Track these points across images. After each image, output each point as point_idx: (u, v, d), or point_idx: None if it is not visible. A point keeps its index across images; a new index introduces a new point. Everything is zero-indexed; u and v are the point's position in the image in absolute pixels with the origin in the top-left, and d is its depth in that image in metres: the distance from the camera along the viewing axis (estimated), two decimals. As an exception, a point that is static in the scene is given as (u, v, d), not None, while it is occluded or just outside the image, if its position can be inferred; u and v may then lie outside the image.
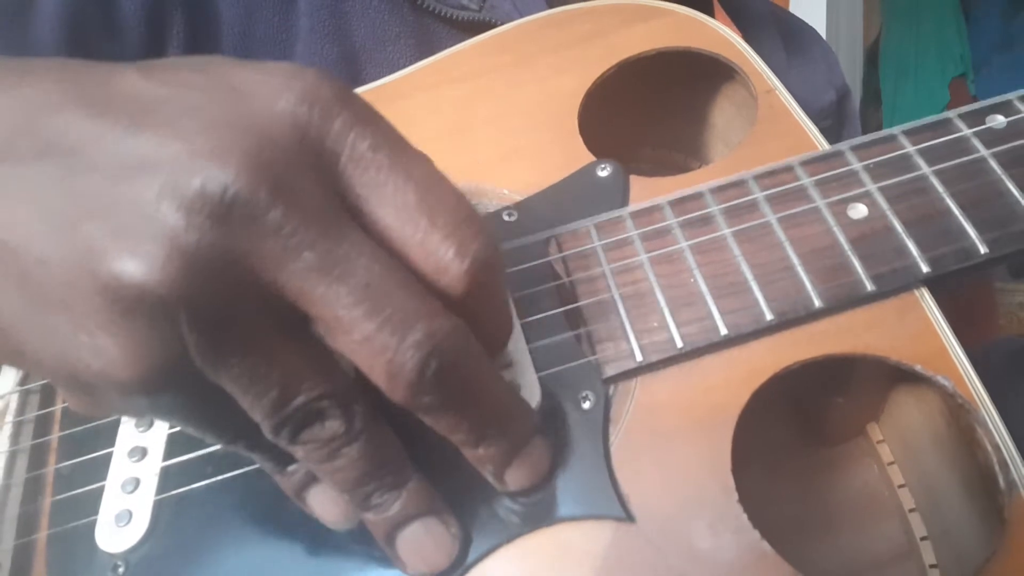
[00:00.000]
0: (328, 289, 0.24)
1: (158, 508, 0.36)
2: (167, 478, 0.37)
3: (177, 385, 0.24)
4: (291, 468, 0.30)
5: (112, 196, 0.23)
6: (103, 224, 0.23)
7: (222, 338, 0.24)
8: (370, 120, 0.26)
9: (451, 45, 0.50)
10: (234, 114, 0.24)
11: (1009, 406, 0.36)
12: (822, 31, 1.73)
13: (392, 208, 0.25)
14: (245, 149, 0.23)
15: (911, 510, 0.42)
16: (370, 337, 0.24)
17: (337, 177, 0.25)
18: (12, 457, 0.39)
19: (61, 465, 0.39)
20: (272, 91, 0.25)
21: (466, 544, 0.31)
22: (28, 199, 0.24)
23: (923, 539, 0.41)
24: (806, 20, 0.77)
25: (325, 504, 0.31)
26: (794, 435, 0.45)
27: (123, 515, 0.36)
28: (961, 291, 0.39)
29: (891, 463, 0.43)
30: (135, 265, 0.22)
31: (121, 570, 0.35)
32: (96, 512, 0.36)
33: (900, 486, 0.43)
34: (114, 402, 0.25)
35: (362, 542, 0.33)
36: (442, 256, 0.25)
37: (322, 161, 0.25)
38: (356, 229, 0.25)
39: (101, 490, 0.37)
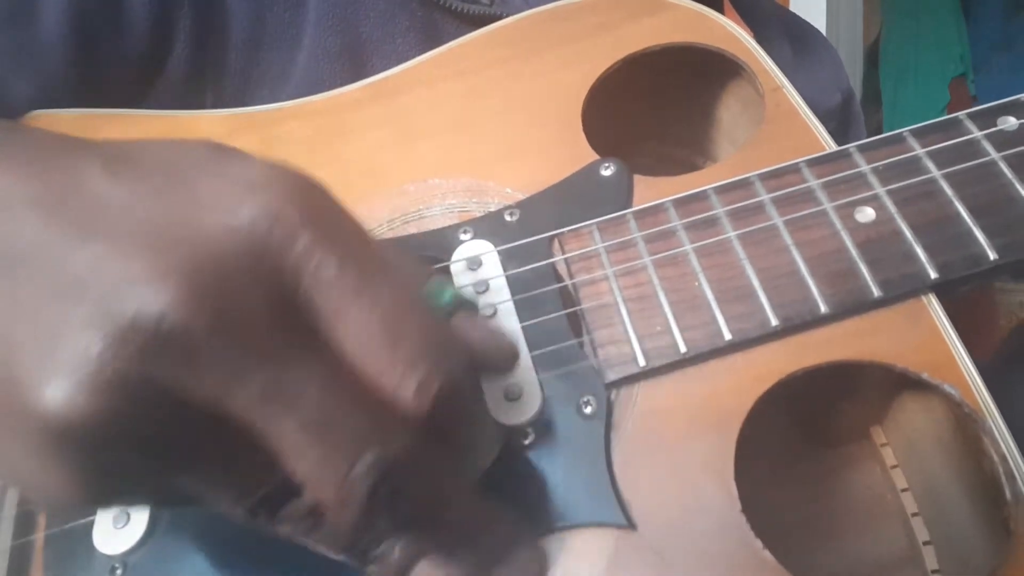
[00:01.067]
0: (273, 419, 0.23)
1: (156, 511, 0.36)
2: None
3: (127, 497, 0.24)
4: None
5: (44, 318, 0.22)
6: (30, 348, 0.22)
7: (166, 458, 0.23)
8: (338, 240, 0.25)
9: (459, 40, 0.49)
10: (185, 229, 0.23)
11: (1012, 407, 0.35)
12: (822, 31, 1.73)
13: (353, 337, 0.24)
14: (188, 273, 0.22)
15: (914, 514, 0.41)
16: (317, 465, 0.23)
17: (296, 298, 0.24)
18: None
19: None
20: (233, 203, 0.24)
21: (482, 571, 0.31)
22: None
23: (926, 544, 0.41)
24: (806, 20, 0.76)
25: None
26: (797, 438, 0.45)
27: (121, 517, 0.35)
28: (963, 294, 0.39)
29: (894, 467, 0.43)
30: (57, 397, 0.21)
31: (119, 572, 0.35)
32: (94, 513, 0.36)
33: (903, 490, 0.42)
34: (71, 511, 0.25)
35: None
36: (401, 393, 0.24)
37: (279, 282, 0.24)
38: (305, 353, 0.24)
39: None
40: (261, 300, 0.23)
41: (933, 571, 0.40)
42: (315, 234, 0.24)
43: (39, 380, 0.21)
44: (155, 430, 0.22)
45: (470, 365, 0.28)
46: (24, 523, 0.37)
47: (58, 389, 0.21)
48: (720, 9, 0.55)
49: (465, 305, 0.31)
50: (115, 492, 0.23)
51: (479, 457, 0.30)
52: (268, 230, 0.23)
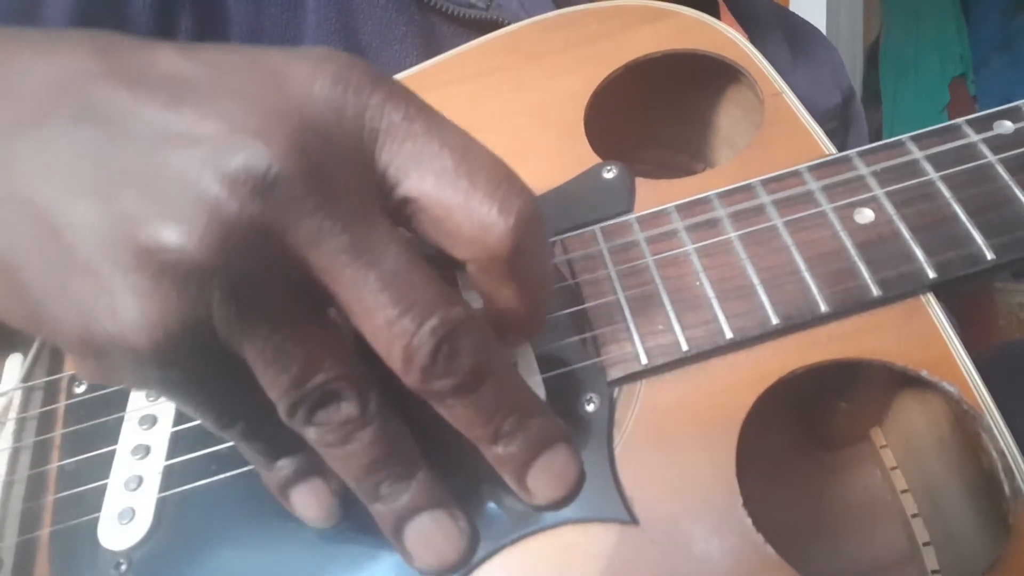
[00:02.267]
0: (357, 273, 0.24)
1: (161, 506, 0.36)
2: (170, 476, 0.37)
3: (191, 357, 0.24)
4: (279, 464, 0.30)
5: (153, 165, 0.23)
6: (143, 191, 0.23)
7: (253, 309, 0.24)
8: (402, 95, 0.26)
9: (457, 45, 0.49)
10: (274, 97, 0.25)
11: (1015, 410, 0.36)
12: (822, 31, 1.73)
13: (431, 175, 0.26)
14: (288, 131, 0.24)
15: (914, 515, 0.42)
16: (391, 321, 0.25)
17: (376, 154, 0.26)
18: (15, 453, 0.39)
19: (64, 462, 0.39)
20: (308, 74, 0.25)
21: (474, 538, 0.31)
22: (63, 162, 0.24)
23: (925, 544, 0.41)
24: (805, 19, 0.76)
25: (308, 502, 0.31)
26: (798, 439, 0.45)
27: (126, 512, 0.36)
28: (961, 293, 0.39)
29: (894, 468, 0.43)
30: (176, 231, 0.22)
31: (123, 568, 0.35)
32: (99, 509, 0.36)
33: (903, 491, 0.43)
34: (125, 371, 0.25)
35: (364, 541, 0.33)
36: (485, 215, 0.26)
37: (360, 140, 0.26)
38: (387, 219, 0.25)
39: (104, 487, 0.37)
40: (349, 161, 0.25)
41: (933, 572, 0.40)
42: (382, 90, 0.26)
43: (160, 215, 0.23)
44: (250, 280, 0.24)
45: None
46: (30, 519, 0.37)
47: (179, 224, 0.22)
48: (716, 14, 0.55)
49: None
50: (184, 342, 0.24)
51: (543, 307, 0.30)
52: (344, 91, 0.25)
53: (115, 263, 0.23)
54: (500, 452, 0.28)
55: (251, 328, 0.24)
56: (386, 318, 0.25)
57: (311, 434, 0.27)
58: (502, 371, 0.28)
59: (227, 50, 0.27)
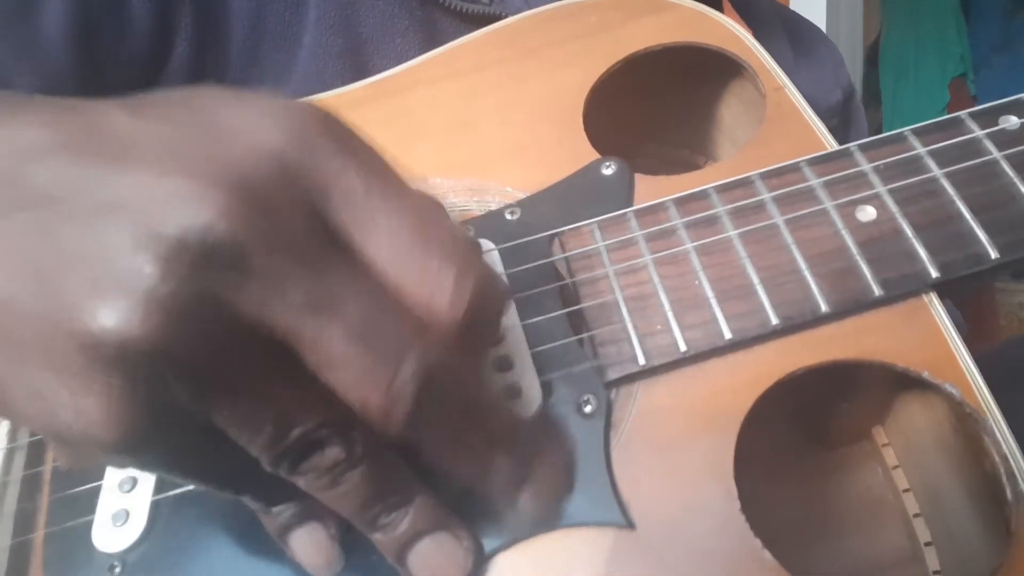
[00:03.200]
0: (319, 327, 0.23)
1: (155, 508, 0.36)
2: (164, 478, 0.36)
3: (162, 440, 0.24)
4: (276, 509, 0.30)
5: (89, 245, 0.22)
6: (79, 276, 0.22)
7: (211, 383, 0.23)
8: (358, 152, 0.26)
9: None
10: (216, 153, 0.24)
11: (1017, 411, 0.35)
12: (822, 30, 1.73)
13: (385, 241, 0.25)
14: (226, 189, 0.23)
15: (915, 515, 0.41)
16: (364, 372, 0.24)
17: (326, 213, 0.25)
18: (9, 454, 0.39)
19: (59, 463, 0.38)
20: (257, 128, 0.24)
21: (479, 553, 0.31)
22: (6, 252, 0.23)
23: (927, 544, 0.40)
24: (806, 18, 0.76)
25: (307, 549, 0.31)
26: (798, 438, 0.45)
27: (120, 515, 0.35)
28: (964, 293, 0.39)
29: (896, 467, 0.43)
30: (111, 319, 0.21)
31: (118, 570, 0.35)
32: (93, 511, 0.36)
33: (905, 490, 0.42)
34: (100, 459, 0.25)
35: (361, 543, 0.32)
36: (437, 289, 0.25)
37: (309, 197, 0.25)
38: (343, 262, 0.24)
39: (98, 489, 0.37)
40: (297, 215, 0.24)
41: (934, 572, 0.40)
42: (340, 152, 0.25)
43: (91, 304, 0.22)
44: (200, 356, 0.23)
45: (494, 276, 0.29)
46: (24, 521, 0.37)
47: (112, 310, 0.22)
48: (718, 7, 0.55)
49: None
50: (150, 434, 0.23)
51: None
52: (297, 150, 0.25)
53: (63, 358, 0.22)
54: (493, 483, 0.28)
55: (213, 401, 0.23)
56: (358, 369, 0.24)
57: (300, 483, 0.26)
58: (489, 406, 0.28)
59: (178, 104, 0.26)
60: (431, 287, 0.25)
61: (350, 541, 0.31)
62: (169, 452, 0.25)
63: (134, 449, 0.23)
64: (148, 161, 0.23)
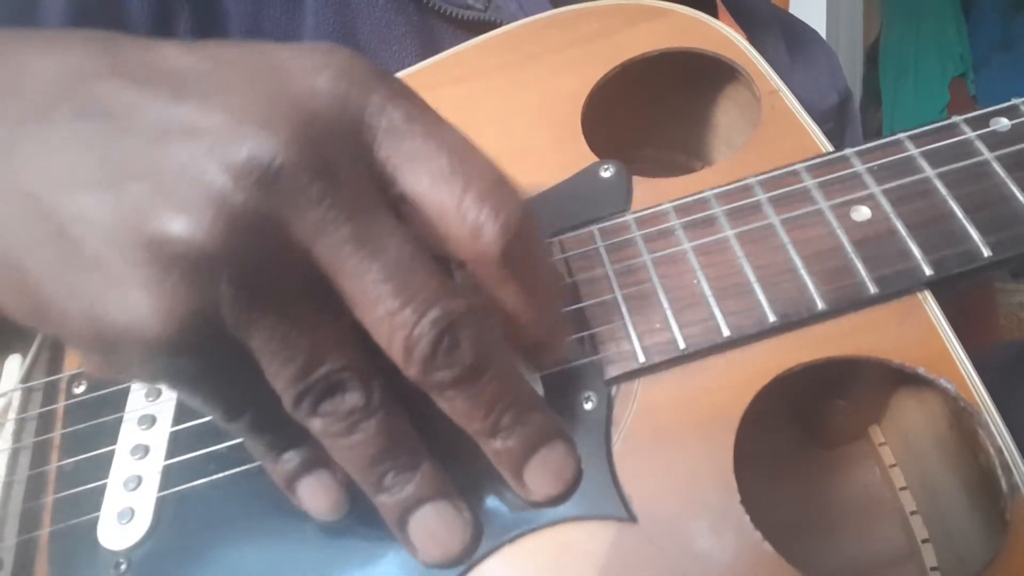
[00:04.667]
0: (360, 263, 0.25)
1: (160, 505, 0.36)
2: (169, 475, 0.37)
3: (201, 346, 0.25)
4: (285, 456, 0.30)
5: (158, 158, 0.24)
6: (149, 184, 0.23)
7: (260, 298, 0.24)
8: (404, 94, 0.27)
9: (455, 45, 0.49)
10: (278, 90, 0.25)
11: (1013, 409, 0.36)
12: (822, 31, 1.73)
13: (427, 175, 0.26)
14: (292, 123, 0.24)
15: (912, 512, 0.42)
16: (393, 312, 0.25)
17: (375, 150, 0.26)
18: (15, 454, 0.39)
19: (64, 462, 0.39)
20: (311, 69, 0.26)
21: (478, 530, 0.31)
22: (68, 156, 0.24)
23: (924, 542, 0.41)
24: (806, 20, 0.77)
25: (315, 493, 0.31)
26: (796, 437, 0.45)
27: (125, 512, 0.36)
28: (962, 291, 0.39)
29: (893, 465, 0.43)
30: (183, 222, 0.23)
31: (123, 567, 0.35)
32: (98, 509, 0.36)
33: (902, 488, 0.43)
34: (134, 363, 0.25)
35: (365, 539, 0.33)
36: (475, 218, 0.26)
37: (361, 135, 0.26)
38: (390, 211, 0.26)
39: (104, 487, 0.37)
40: (350, 153, 0.25)
41: (932, 568, 0.40)
42: (384, 88, 0.26)
43: (166, 207, 0.23)
44: (256, 269, 0.24)
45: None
46: (29, 519, 0.37)
47: (186, 215, 0.23)
48: (714, 13, 0.55)
49: None
50: (193, 332, 0.24)
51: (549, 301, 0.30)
52: (348, 87, 0.26)
53: (123, 256, 0.23)
54: (498, 446, 0.28)
55: (257, 317, 0.24)
56: (387, 309, 0.25)
57: (316, 425, 0.27)
58: (502, 365, 0.28)
59: (230, 45, 0.27)
60: (470, 219, 0.26)
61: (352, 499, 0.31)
62: (201, 364, 0.25)
63: (172, 351, 0.24)
64: (212, 92, 0.25)
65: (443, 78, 0.48)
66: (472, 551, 0.30)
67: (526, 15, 0.51)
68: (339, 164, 0.25)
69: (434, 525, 0.29)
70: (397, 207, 0.27)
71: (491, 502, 0.33)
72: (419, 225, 0.27)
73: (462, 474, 0.31)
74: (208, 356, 0.25)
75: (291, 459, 0.30)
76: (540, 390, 0.35)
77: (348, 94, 0.26)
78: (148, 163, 0.24)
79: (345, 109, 0.26)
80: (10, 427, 0.40)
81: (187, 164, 0.23)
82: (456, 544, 0.30)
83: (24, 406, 0.41)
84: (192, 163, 0.23)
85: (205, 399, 0.27)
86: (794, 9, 1.42)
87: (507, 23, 0.51)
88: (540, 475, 0.29)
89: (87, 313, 0.24)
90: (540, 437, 0.29)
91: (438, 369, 0.26)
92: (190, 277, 0.23)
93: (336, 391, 0.26)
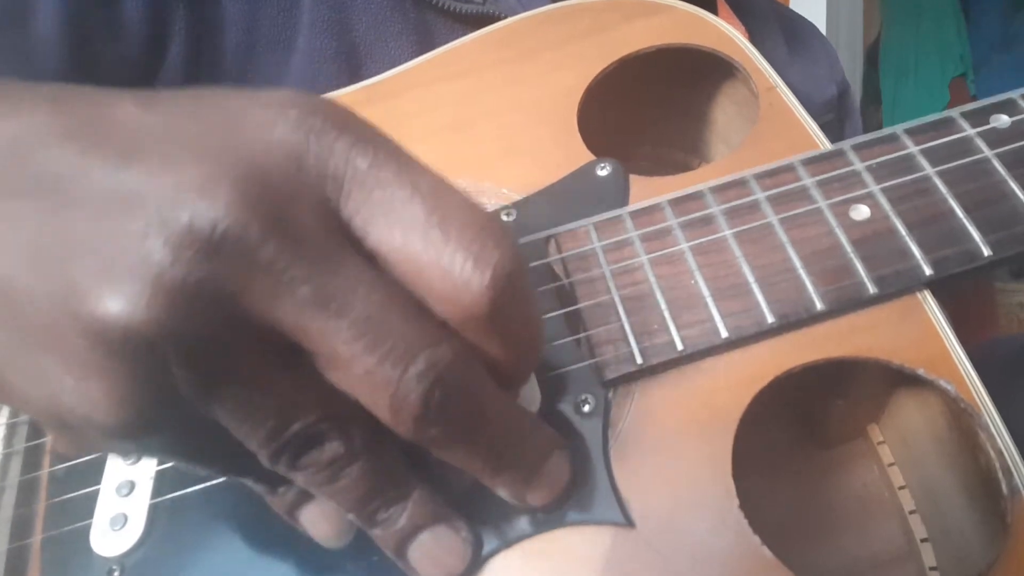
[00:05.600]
0: (325, 324, 0.23)
1: (153, 512, 0.36)
2: (162, 481, 0.36)
3: (164, 426, 0.24)
4: (282, 489, 0.30)
5: (97, 232, 0.22)
6: (87, 261, 0.22)
7: (214, 374, 0.23)
8: (369, 139, 0.25)
9: (453, 41, 0.49)
10: (228, 144, 0.24)
11: (1013, 405, 0.35)
12: (822, 30, 1.73)
13: (400, 226, 0.24)
14: (237, 181, 0.22)
15: (911, 512, 0.42)
16: (371, 371, 0.23)
17: (339, 203, 0.24)
18: (6, 459, 0.39)
19: (56, 468, 0.38)
20: (267, 122, 0.24)
21: (478, 544, 0.31)
22: (14, 235, 0.23)
23: (923, 541, 0.41)
24: (800, 15, 0.77)
25: (318, 522, 0.30)
26: (794, 436, 0.45)
27: (118, 519, 0.35)
28: (962, 291, 0.39)
29: (892, 464, 0.43)
30: (118, 304, 0.21)
31: (116, 574, 0.35)
32: (91, 515, 0.36)
33: (901, 488, 0.42)
34: (101, 444, 0.25)
35: (360, 545, 0.32)
36: (459, 271, 0.24)
37: (321, 188, 0.24)
38: (354, 257, 0.24)
39: (96, 493, 0.37)
40: (307, 207, 0.24)
41: (931, 568, 0.40)
42: (348, 137, 0.24)
43: (99, 289, 0.22)
44: (205, 345, 0.22)
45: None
46: (21, 526, 0.37)
47: (119, 297, 0.21)
48: (713, 8, 0.55)
49: None
50: (152, 420, 0.23)
51: (533, 355, 0.28)
52: (305, 137, 0.24)
53: (67, 342, 0.22)
54: (500, 480, 0.28)
55: (215, 392, 0.23)
56: (364, 368, 0.23)
57: (298, 478, 0.26)
58: (499, 406, 0.27)
59: (187, 98, 0.26)
60: (454, 273, 0.24)
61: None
62: (170, 438, 0.25)
63: (135, 434, 0.23)
64: (158, 153, 0.23)
65: (439, 74, 0.48)
66: (475, 565, 0.30)
67: (524, 9, 0.50)
68: (294, 220, 0.23)
69: (433, 551, 0.29)
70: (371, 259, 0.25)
71: (487, 509, 0.33)
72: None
73: (455, 482, 0.31)
74: (172, 433, 0.24)
75: (287, 491, 0.30)
76: (538, 393, 0.35)
77: (307, 146, 0.24)
78: (89, 238, 0.22)
79: (302, 162, 0.24)
80: (1, 432, 0.40)
81: (125, 237, 0.22)
82: (458, 564, 0.30)
83: (15, 411, 0.40)
84: (130, 236, 0.22)
85: (184, 463, 0.27)
86: (794, 8, 1.42)
87: (506, 16, 0.50)
88: (542, 491, 0.29)
89: (45, 399, 0.23)
90: (539, 461, 0.29)
91: (433, 425, 0.24)
92: (136, 361, 0.22)
93: (314, 443, 0.25)
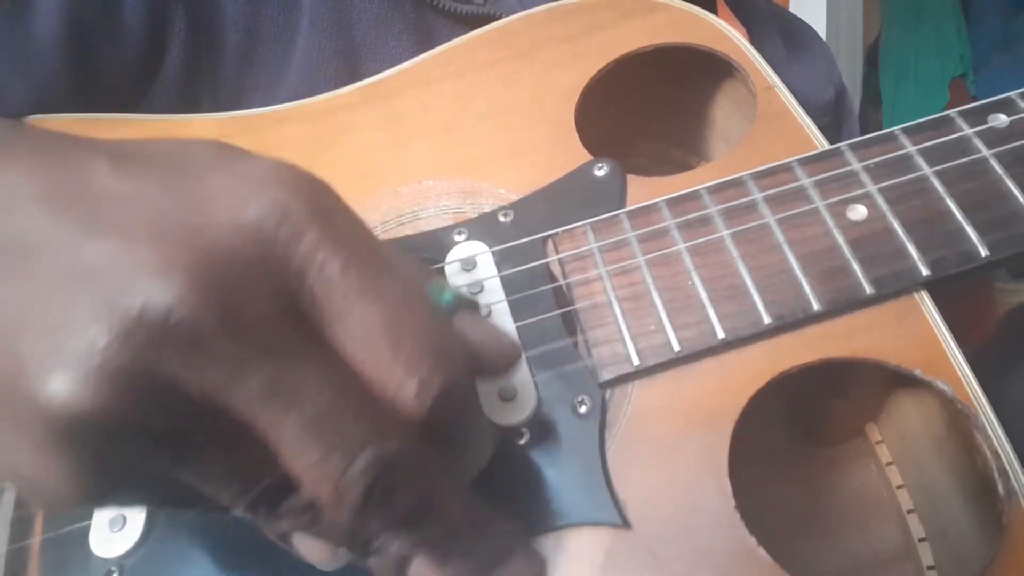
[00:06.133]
0: (275, 417, 0.23)
1: (152, 514, 0.36)
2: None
3: (127, 494, 0.24)
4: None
5: (51, 307, 0.22)
6: (37, 339, 0.22)
7: (167, 455, 0.23)
8: (345, 237, 0.25)
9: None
10: (193, 223, 0.23)
11: (1004, 394, 0.35)
12: (822, 31, 1.73)
13: (356, 336, 0.24)
14: (195, 266, 0.22)
15: (909, 511, 0.42)
16: (315, 464, 0.23)
17: (299, 297, 0.24)
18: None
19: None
20: (241, 197, 0.24)
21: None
22: None
23: (921, 540, 0.41)
24: (806, 20, 0.77)
25: (312, 547, 0.30)
26: (792, 436, 0.45)
27: (117, 520, 0.35)
28: (962, 292, 0.39)
29: (889, 464, 0.43)
30: (63, 389, 0.21)
31: (115, 575, 0.35)
32: (90, 517, 0.36)
33: (899, 487, 0.42)
34: (66, 509, 0.24)
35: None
36: (402, 391, 0.24)
37: (283, 278, 0.24)
38: (308, 352, 0.24)
39: None
40: (266, 296, 0.23)
41: (929, 567, 0.40)
42: (321, 232, 0.24)
43: (44, 372, 0.21)
44: (157, 424, 0.22)
45: (470, 366, 0.28)
46: (20, 528, 0.37)
47: (62, 381, 0.21)
48: (713, 8, 0.55)
49: (466, 304, 0.31)
50: (114, 489, 0.23)
51: (474, 458, 0.29)
52: (275, 226, 0.23)
53: (17, 418, 0.22)
54: (448, 570, 0.27)
55: (172, 468, 0.23)
56: (309, 461, 0.23)
57: (281, 525, 0.26)
58: (447, 498, 0.26)
59: (166, 159, 0.25)
60: (397, 382, 0.24)
61: None
62: (137, 498, 0.25)
63: (98, 503, 0.23)
64: (122, 226, 0.23)
65: (437, 74, 0.48)
66: None
67: (524, 8, 0.50)
68: (247, 310, 0.23)
69: (432, 572, 0.29)
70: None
71: None
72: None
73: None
74: (139, 494, 0.24)
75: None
76: (534, 395, 0.35)
77: (275, 233, 0.23)
78: (42, 314, 0.22)
79: (268, 250, 0.23)
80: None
81: (77, 318, 0.21)
82: None
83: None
84: (82, 317, 0.21)
85: (165, 511, 0.26)
86: (794, 9, 1.42)
87: (506, 16, 0.50)
88: None
89: (7, 470, 0.23)
90: (496, 557, 0.28)
91: (373, 518, 0.24)
92: (84, 443, 0.22)
93: (288, 490, 0.25)
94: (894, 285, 0.36)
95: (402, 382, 0.24)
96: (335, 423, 0.23)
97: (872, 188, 0.38)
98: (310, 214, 0.24)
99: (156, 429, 0.22)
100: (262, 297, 0.23)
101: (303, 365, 0.23)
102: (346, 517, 0.24)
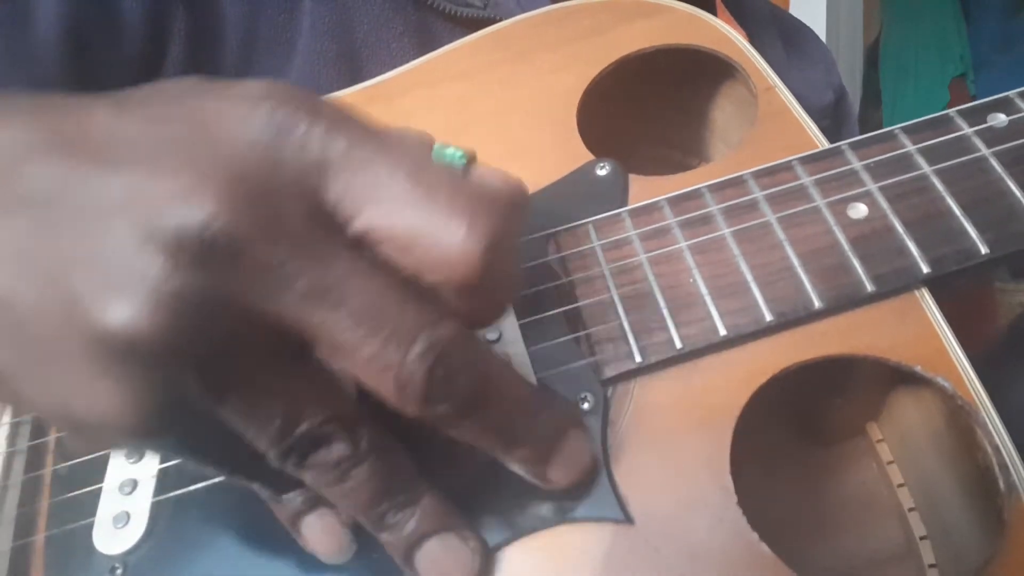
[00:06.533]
0: (325, 315, 0.23)
1: (156, 510, 0.36)
2: (165, 480, 0.37)
3: (176, 426, 0.24)
4: (287, 496, 0.30)
5: (92, 244, 0.23)
6: (87, 274, 0.22)
7: (219, 376, 0.23)
8: (343, 122, 0.25)
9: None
10: (205, 147, 0.24)
11: (1003, 394, 0.36)
12: (822, 31, 1.73)
13: (387, 203, 0.24)
14: (220, 184, 0.23)
15: (910, 509, 0.42)
16: (374, 356, 0.24)
17: (322, 191, 0.25)
18: (9, 458, 0.39)
19: (59, 466, 0.39)
20: (241, 118, 0.24)
21: (486, 554, 0.31)
22: (10, 252, 0.23)
23: (922, 539, 0.41)
24: (806, 20, 0.77)
25: (319, 536, 0.30)
26: (792, 434, 0.45)
27: (121, 517, 0.36)
28: (962, 291, 0.39)
29: (890, 462, 0.43)
30: (123, 314, 0.22)
31: (119, 572, 0.35)
32: (94, 514, 0.36)
33: (899, 485, 0.42)
34: (113, 442, 0.25)
35: (363, 544, 0.32)
36: (452, 237, 0.24)
37: (304, 179, 0.24)
38: (345, 247, 0.24)
39: (99, 491, 0.37)
40: (293, 198, 0.24)
41: (930, 565, 0.40)
42: (319, 122, 0.25)
43: (102, 301, 0.22)
44: (209, 348, 0.23)
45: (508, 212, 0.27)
46: (24, 524, 0.37)
47: (121, 307, 0.22)
48: (712, 10, 0.55)
49: (473, 158, 0.30)
50: (161, 423, 0.23)
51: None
52: (278, 131, 0.24)
53: (76, 352, 0.22)
54: (516, 455, 0.28)
55: (222, 394, 0.24)
56: (368, 354, 0.24)
57: (307, 477, 0.26)
58: (503, 378, 0.27)
59: (157, 98, 0.26)
60: (442, 234, 0.24)
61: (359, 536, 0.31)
62: (181, 439, 0.25)
63: (146, 435, 0.23)
64: (138, 158, 0.24)
65: (438, 76, 0.48)
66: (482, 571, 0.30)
67: (524, 11, 0.50)
68: (282, 215, 0.23)
69: (440, 559, 0.29)
70: (361, 244, 0.25)
71: (489, 508, 0.33)
72: (388, 260, 0.25)
73: (458, 483, 0.31)
74: (184, 432, 0.25)
75: (293, 498, 0.30)
76: (536, 392, 0.35)
77: (283, 137, 0.24)
78: (85, 250, 0.23)
79: (282, 154, 0.24)
80: (4, 431, 0.40)
81: (121, 248, 0.22)
82: (465, 575, 0.30)
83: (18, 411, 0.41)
84: (125, 244, 0.22)
85: (193, 461, 0.27)
86: (794, 9, 1.42)
87: (505, 20, 0.51)
88: (561, 469, 0.29)
89: (58, 404, 0.24)
90: (554, 434, 0.29)
91: (439, 402, 0.25)
92: (144, 367, 0.22)
93: (321, 444, 0.26)
94: (895, 282, 0.36)
95: (447, 229, 0.24)
96: (386, 312, 0.24)
97: (872, 187, 0.38)
98: (307, 112, 0.25)
99: (209, 353, 0.23)
100: (289, 200, 0.24)
101: (344, 262, 0.24)
102: (413, 408, 0.24)
